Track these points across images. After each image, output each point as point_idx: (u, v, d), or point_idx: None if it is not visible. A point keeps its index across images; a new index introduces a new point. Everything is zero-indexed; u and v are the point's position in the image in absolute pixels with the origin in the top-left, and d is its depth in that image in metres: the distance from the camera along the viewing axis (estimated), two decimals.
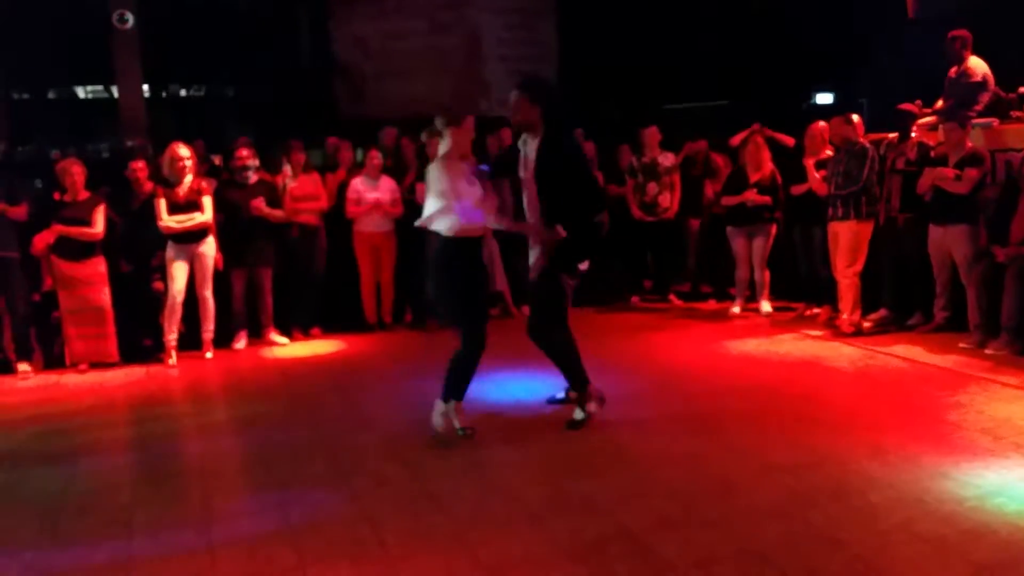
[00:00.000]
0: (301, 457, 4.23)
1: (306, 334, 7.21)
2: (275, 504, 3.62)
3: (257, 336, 6.99)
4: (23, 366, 6.33)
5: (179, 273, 6.42)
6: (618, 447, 4.13)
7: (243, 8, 9.84)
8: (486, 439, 4.26)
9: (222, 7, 9.80)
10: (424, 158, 7.62)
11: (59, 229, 6.23)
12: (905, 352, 5.74)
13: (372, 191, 7.24)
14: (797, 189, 7.07)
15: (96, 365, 6.37)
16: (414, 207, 7.18)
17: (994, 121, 6.52)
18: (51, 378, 6.24)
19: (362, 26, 10.30)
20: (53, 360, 6.53)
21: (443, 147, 4.32)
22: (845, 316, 6.45)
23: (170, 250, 6.42)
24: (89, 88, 11.87)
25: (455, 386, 4.28)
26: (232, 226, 6.72)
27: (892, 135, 6.74)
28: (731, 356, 5.99)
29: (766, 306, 7.39)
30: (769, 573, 2.83)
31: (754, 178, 7.29)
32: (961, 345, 5.75)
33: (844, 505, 3.34)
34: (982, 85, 6.82)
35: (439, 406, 4.28)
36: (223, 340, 6.78)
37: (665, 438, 4.24)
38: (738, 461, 3.85)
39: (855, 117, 6.58)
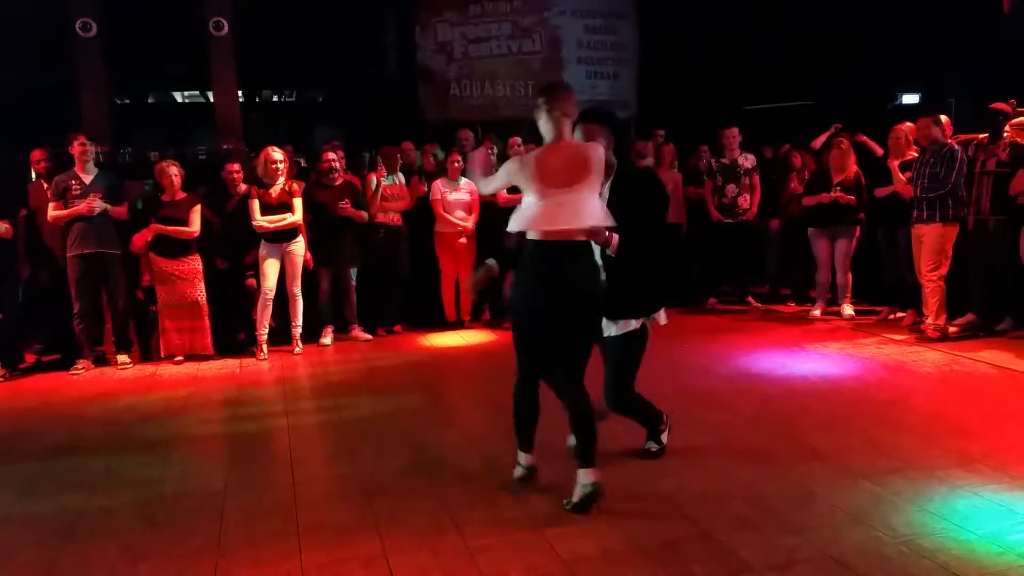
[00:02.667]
0: (386, 449, 4.38)
1: (389, 331, 7.43)
2: (360, 493, 3.77)
3: (343, 332, 7.23)
4: (122, 357, 6.69)
5: (271, 271, 6.70)
6: (695, 448, 4.15)
7: (333, 16, 10.13)
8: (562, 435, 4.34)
9: (313, 15, 10.12)
10: (504, 160, 7.76)
11: (157, 228, 6.58)
12: (992, 358, 5.58)
13: (453, 192, 7.42)
14: (881, 191, 6.91)
15: (191, 357, 6.71)
16: (491, 208, 7.36)
17: None
18: (148, 369, 6.59)
19: (446, 31, 10.49)
20: (150, 352, 6.89)
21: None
22: (929, 320, 6.29)
23: (262, 249, 6.70)
24: (186, 93, 12.42)
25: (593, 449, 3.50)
26: (319, 226, 6.98)
27: (982, 136, 6.53)
28: (811, 359, 5.91)
29: (848, 309, 7.25)
30: None
31: (837, 179, 7.16)
32: None
33: (927, 513, 3.29)
34: None
35: (585, 476, 3.46)
36: (310, 335, 7.05)
37: (742, 440, 4.24)
38: (818, 465, 3.83)
39: (943, 118, 6.40)
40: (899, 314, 6.96)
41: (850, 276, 7.27)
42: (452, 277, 7.56)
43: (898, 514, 3.29)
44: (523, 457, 3.77)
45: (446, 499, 3.66)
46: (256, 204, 6.64)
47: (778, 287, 8.29)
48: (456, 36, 10.54)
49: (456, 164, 7.47)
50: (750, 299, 8.06)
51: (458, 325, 7.59)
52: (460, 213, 7.42)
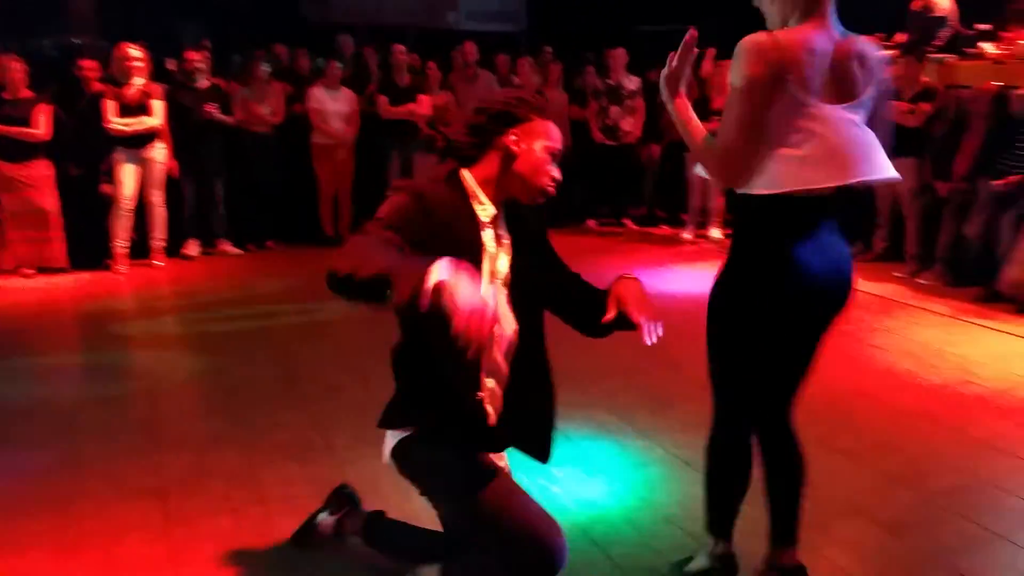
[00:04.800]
0: (253, 364, 4.27)
1: (260, 246, 7.17)
2: (224, 409, 3.68)
3: (210, 246, 6.93)
4: None
5: (127, 178, 6.28)
6: (561, 361, 4.22)
7: None
8: None
9: None
10: (387, 68, 7.51)
11: None
12: None
13: (332, 102, 7.12)
14: None
15: (43, 270, 6.27)
16: (373, 120, 7.14)
17: (949, 57, 6.58)
18: None
19: None
20: None
21: None
22: None
23: (118, 153, 6.26)
24: None
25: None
26: (183, 131, 6.56)
27: None
28: (679, 278, 6.11)
29: (716, 232, 7.51)
30: None
31: (716, 104, 7.30)
32: (896, 274, 6.01)
33: None
34: (942, 21, 6.86)
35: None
36: (175, 250, 6.72)
37: (608, 354, 4.34)
38: (675, 375, 3.98)
39: None
40: None
41: (720, 200, 7.50)
42: (330, 192, 7.32)
43: None
44: (716, 545, 2.31)
45: (315, 413, 3.61)
46: (110, 105, 6.16)
47: (654, 210, 8.48)
48: None
49: (336, 70, 7.15)
50: (627, 221, 8.22)
51: (337, 241, 7.39)
52: (339, 124, 7.14)
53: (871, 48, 2.01)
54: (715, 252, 7.06)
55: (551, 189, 1.98)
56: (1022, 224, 5.39)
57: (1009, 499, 2.91)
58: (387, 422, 2.05)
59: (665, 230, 8.05)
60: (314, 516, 2.53)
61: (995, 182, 5.49)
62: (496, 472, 1.95)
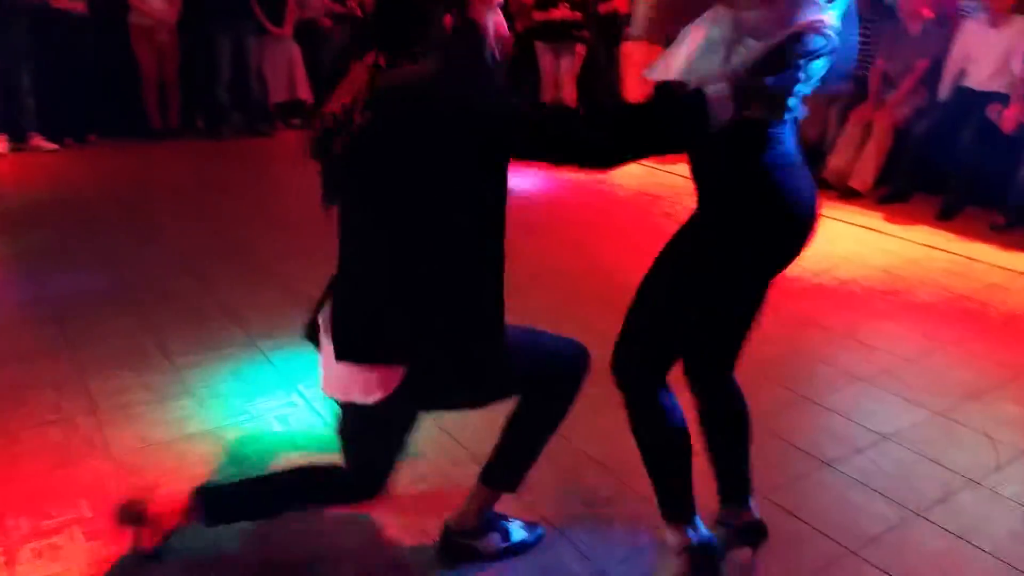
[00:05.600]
0: (80, 270, 3.99)
1: (80, 140, 6.58)
2: (52, 318, 3.44)
3: (20, 141, 6.29)
4: None
5: None
6: None
7: None
8: None
9: None
10: None
11: None
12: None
13: None
14: (605, 7, 7.07)
15: None
16: (199, 1, 6.60)
17: None
18: None
19: None
20: None
21: None
22: None
23: None
24: None
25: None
26: None
27: None
28: (522, 176, 6.15)
29: None
30: None
31: None
32: None
33: None
34: None
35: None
36: None
37: None
38: (522, 261, 4.07)
39: None
40: None
41: (576, 92, 7.50)
42: (155, 78, 6.77)
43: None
44: (695, 531, 2.00)
45: (149, 319, 3.44)
46: None
47: None
48: None
49: None
50: None
51: (166, 134, 6.90)
52: (158, 2, 6.53)
53: None
54: None
55: None
56: (846, 116, 5.74)
57: (819, 366, 3.21)
58: (382, 354, 1.70)
59: None
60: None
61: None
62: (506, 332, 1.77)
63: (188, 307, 3.56)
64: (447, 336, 1.69)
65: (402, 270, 1.66)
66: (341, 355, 1.72)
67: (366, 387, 1.71)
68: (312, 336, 1.88)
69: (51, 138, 6.38)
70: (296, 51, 7.23)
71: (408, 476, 2.40)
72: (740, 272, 1.82)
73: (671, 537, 1.99)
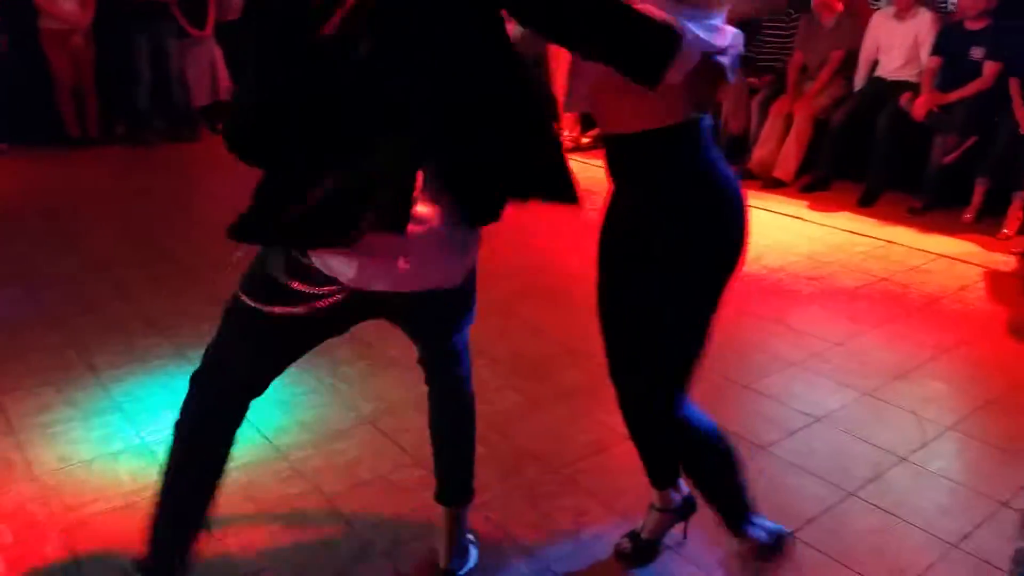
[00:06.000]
0: None
1: None
2: None
3: None
4: None
5: None
6: None
7: None
8: None
9: None
10: None
11: None
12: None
13: None
14: None
15: None
16: (113, 2, 6.38)
17: None
18: None
19: None
20: None
21: None
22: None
23: None
24: None
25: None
26: None
27: None
28: None
29: None
30: None
31: None
32: None
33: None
34: None
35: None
36: None
37: None
38: None
39: None
40: None
41: None
42: (70, 84, 6.51)
43: None
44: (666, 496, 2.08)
45: (71, 331, 3.31)
46: None
47: None
48: None
49: None
50: None
51: (85, 141, 6.65)
52: (70, 5, 6.29)
53: None
54: None
55: None
56: (767, 109, 5.88)
57: (751, 353, 3.27)
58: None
59: None
60: None
61: (750, 79, 5.91)
62: None
63: (112, 319, 3.43)
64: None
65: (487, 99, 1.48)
66: (476, 220, 1.57)
67: (462, 263, 1.62)
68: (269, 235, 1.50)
69: None
70: (218, 53, 7.05)
71: (348, 481, 2.37)
72: (716, 267, 1.73)
73: (743, 544, 1.94)
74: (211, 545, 2.03)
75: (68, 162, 6.24)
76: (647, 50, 1.45)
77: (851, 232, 4.83)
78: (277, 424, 2.65)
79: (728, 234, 1.72)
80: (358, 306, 1.57)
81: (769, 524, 1.97)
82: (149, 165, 6.27)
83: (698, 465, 1.89)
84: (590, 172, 5.59)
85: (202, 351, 1.74)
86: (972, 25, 5.05)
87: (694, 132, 1.67)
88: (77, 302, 3.61)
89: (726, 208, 1.71)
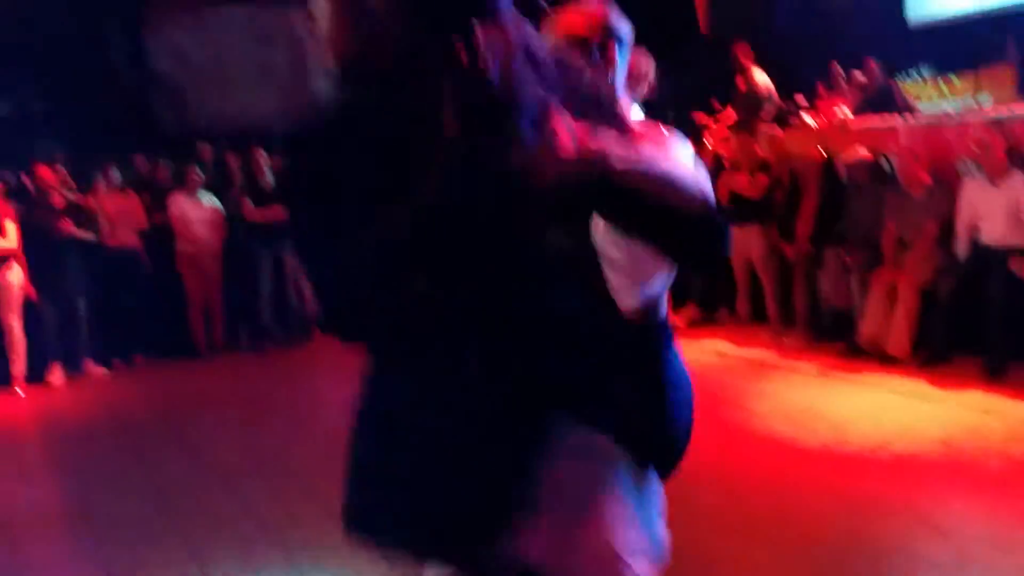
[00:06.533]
0: (123, 497, 4.00)
1: (127, 361, 6.83)
2: (94, 553, 3.43)
3: (74, 368, 6.54)
4: None
5: None
6: None
7: (45, 20, 9.05)
8: None
9: (24, 20, 8.99)
10: (249, 172, 7.38)
11: None
12: (714, 346, 6.12)
13: (194, 208, 6.99)
14: None
15: None
16: (240, 224, 7.03)
17: (777, 130, 7.08)
18: None
19: (180, 36, 9.79)
20: None
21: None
22: None
23: None
24: None
25: None
26: (38, 251, 6.27)
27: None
28: None
29: None
30: None
31: None
32: (762, 336, 6.17)
33: None
34: (767, 97, 7.52)
35: None
36: (37, 375, 6.31)
37: None
38: None
39: None
40: None
41: None
42: (200, 301, 7.10)
43: None
44: None
45: (195, 545, 3.41)
46: None
47: None
48: (190, 41, 9.89)
49: (195, 177, 7.04)
50: None
51: (211, 353, 7.11)
52: (203, 231, 7.00)
53: None
54: None
55: None
56: (867, 281, 5.78)
57: (890, 553, 3.01)
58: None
59: None
60: None
61: (846, 258, 5.85)
62: None
63: (231, 529, 3.53)
64: None
65: None
66: None
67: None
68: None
69: (102, 361, 6.62)
70: None
71: None
72: None
73: None
74: None
75: (194, 372, 6.66)
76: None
77: (984, 411, 4.43)
78: None
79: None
80: None
81: None
82: (269, 371, 6.60)
83: None
84: None
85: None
86: None
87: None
88: (199, 511, 3.73)
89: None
